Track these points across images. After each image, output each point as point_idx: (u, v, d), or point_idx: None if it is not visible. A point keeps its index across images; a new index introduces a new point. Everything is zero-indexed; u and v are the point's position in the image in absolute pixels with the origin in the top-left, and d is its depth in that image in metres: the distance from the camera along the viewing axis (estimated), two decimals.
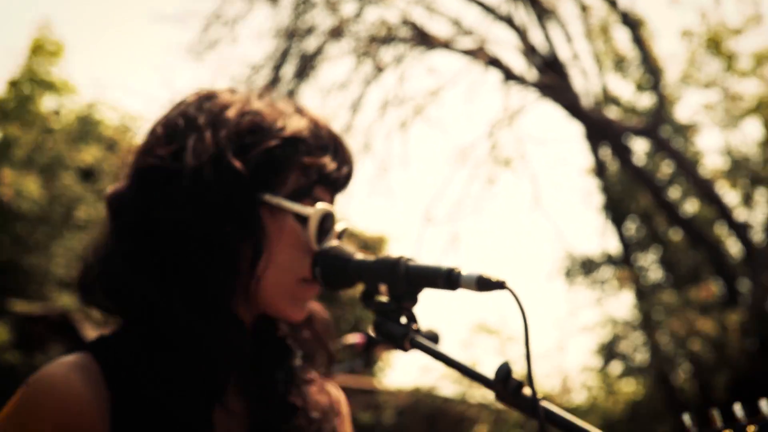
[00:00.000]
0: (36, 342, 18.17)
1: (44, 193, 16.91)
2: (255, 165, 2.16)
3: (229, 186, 2.14)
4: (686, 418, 1.95)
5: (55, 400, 2.04)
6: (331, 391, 2.41)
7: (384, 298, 2.14)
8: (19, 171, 16.63)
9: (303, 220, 2.21)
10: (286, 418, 2.27)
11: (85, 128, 17.35)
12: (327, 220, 2.23)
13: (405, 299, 2.12)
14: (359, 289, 2.21)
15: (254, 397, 2.25)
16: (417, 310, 2.13)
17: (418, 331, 2.11)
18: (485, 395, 20.73)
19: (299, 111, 2.28)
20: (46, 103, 17.51)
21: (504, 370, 1.99)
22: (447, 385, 21.84)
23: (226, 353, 2.14)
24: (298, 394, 2.31)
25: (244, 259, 2.16)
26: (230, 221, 2.14)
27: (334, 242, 2.24)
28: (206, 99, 2.25)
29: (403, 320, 2.12)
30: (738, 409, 1.92)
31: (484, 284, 2.02)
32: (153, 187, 2.17)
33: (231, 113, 2.21)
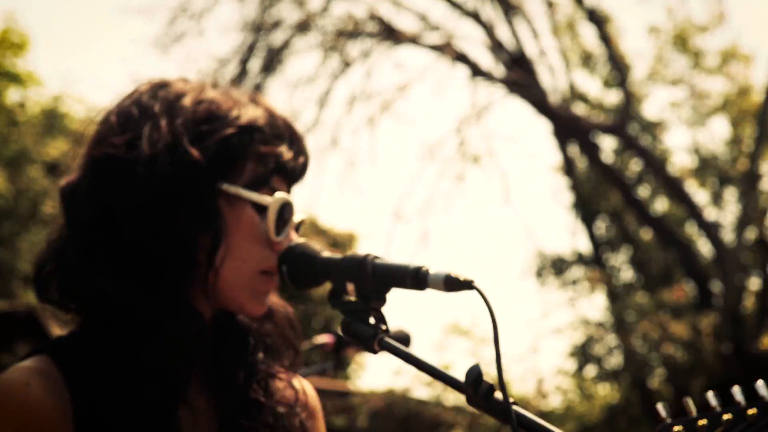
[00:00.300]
0: (1, 340, 18.00)
1: (9, 187, 16.83)
2: (212, 153, 2.12)
3: (185, 175, 2.09)
4: (660, 407, 1.91)
5: (16, 411, 2.00)
6: (298, 386, 2.35)
7: (352, 298, 2.09)
8: None
9: (261, 209, 2.16)
10: (250, 413, 2.23)
11: (51, 121, 17.29)
12: (285, 210, 2.18)
13: (373, 299, 2.07)
14: (328, 287, 2.15)
15: (218, 394, 2.21)
16: (386, 310, 2.09)
17: (387, 331, 2.06)
18: (460, 398, 20.55)
19: (254, 100, 2.25)
20: (11, 95, 17.47)
21: (474, 373, 1.93)
22: (421, 387, 21.69)
23: (185, 346, 2.10)
24: (262, 389, 2.27)
25: (202, 250, 2.11)
26: (187, 210, 2.10)
27: (299, 239, 2.20)
28: (160, 87, 2.21)
29: (372, 320, 2.07)
30: (711, 397, 1.90)
31: (451, 284, 1.97)
32: (107, 177, 2.12)
33: (187, 101, 2.17)
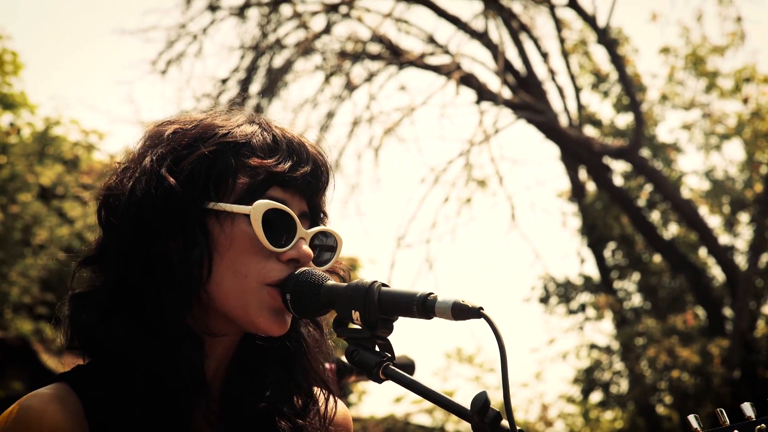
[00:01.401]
0: None
1: (1, 213, 16.46)
2: (189, 174, 2.13)
3: (163, 200, 2.12)
4: (692, 418, 1.94)
5: None
6: (335, 417, 2.35)
7: (357, 326, 2.08)
8: None
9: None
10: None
11: (44, 146, 16.94)
12: (277, 218, 2.16)
13: (379, 327, 2.06)
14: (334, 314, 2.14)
15: (235, 426, 2.23)
16: (391, 338, 2.08)
17: (392, 360, 2.06)
18: (461, 426, 20.27)
19: (251, 119, 2.26)
20: (2, 119, 17.14)
21: (481, 400, 1.90)
22: (422, 414, 21.34)
23: (181, 376, 2.10)
24: (281, 422, 2.27)
25: (197, 273, 2.13)
26: (172, 236, 2.12)
27: (304, 267, 2.17)
28: (159, 125, 2.26)
29: (377, 349, 2.07)
30: (747, 407, 1.90)
31: (460, 312, 1.96)
32: (104, 220, 2.20)
33: (171, 130, 2.21)
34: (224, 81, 16.19)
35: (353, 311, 2.06)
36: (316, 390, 2.34)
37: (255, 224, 2.14)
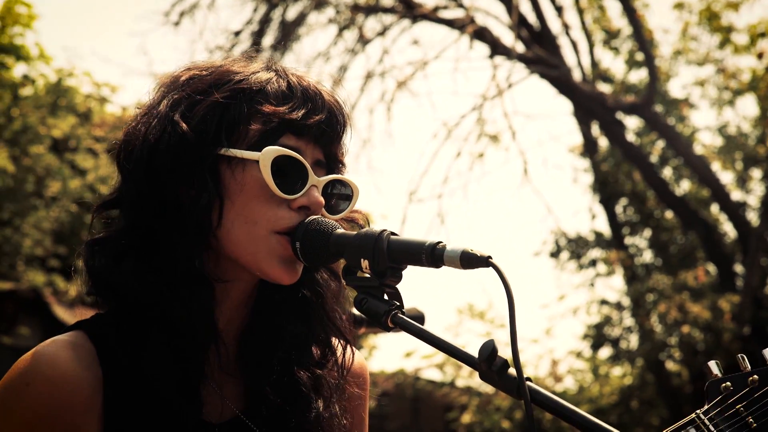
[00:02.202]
0: (6, 319, 17.71)
1: (13, 165, 16.44)
2: (201, 120, 2.13)
3: (174, 146, 2.11)
4: (712, 364, 1.95)
5: (48, 381, 2.04)
6: (352, 367, 2.36)
7: (366, 274, 2.07)
8: None
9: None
10: (285, 397, 2.24)
11: (57, 97, 16.88)
12: (288, 164, 2.14)
13: (388, 276, 2.05)
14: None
15: (250, 370, 2.24)
16: (400, 287, 2.07)
17: (401, 308, 2.05)
18: (471, 380, 20.32)
19: (269, 66, 2.24)
20: (16, 71, 17.06)
21: (488, 349, 1.90)
22: (432, 369, 21.41)
23: (191, 320, 2.12)
24: (304, 369, 2.28)
25: (208, 218, 2.12)
26: (184, 180, 2.12)
27: (315, 216, 2.16)
28: (180, 70, 2.26)
29: (386, 297, 2.06)
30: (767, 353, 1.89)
31: (468, 260, 1.94)
32: (120, 167, 2.20)
33: (185, 76, 2.21)
34: (237, 33, 16.12)
35: (362, 260, 2.06)
36: (334, 340, 2.35)
37: (264, 170, 2.13)
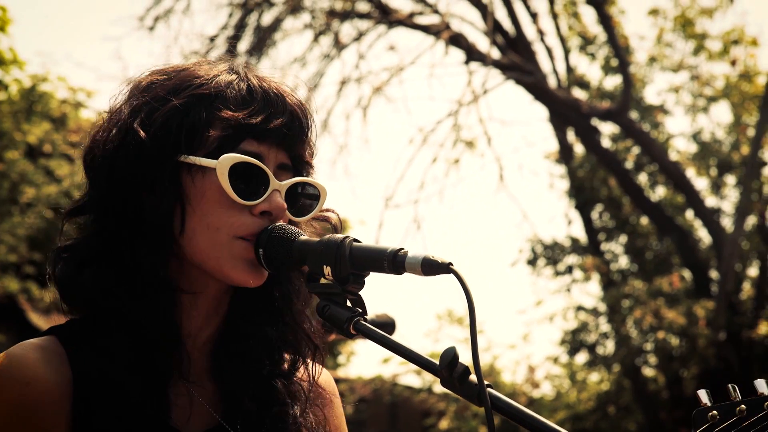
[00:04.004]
0: None
1: None
2: (160, 127, 2.12)
3: (133, 154, 2.12)
4: (702, 393, 1.94)
5: (15, 382, 2.04)
6: (312, 376, 2.35)
7: (329, 281, 2.07)
8: None
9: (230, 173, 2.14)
10: (260, 405, 2.24)
11: (32, 102, 16.82)
12: (247, 170, 2.14)
13: (350, 282, 2.06)
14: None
15: (225, 381, 2.24)
16: (363, 293, 2.08)
17: (363, 315, 2.05)
18: None
19: (231, 68, 2.23)
20: None
21: (449, 355, 1.90)
22: (410, 375, 21.44)
23: (156, 328, 2.12)
24: (277, 377, 2.29)
25: (169, 225, 2.13)
26: (145, 188, 2.11)
27: (279, 222, 2.16)
28: (138, 78, 2.25)
29: (348, 304, 2.06)
30: (760, 384, 1.91)
31: (429, 267, 1.95)
32: (86, 173, 2.21)
33: (145, 82, 2.21)
34: (212, 38, 16.09)
35: (324, 266, 2.06)
36: (304, 346, 2.34)
37: (221, 178, 2.13)
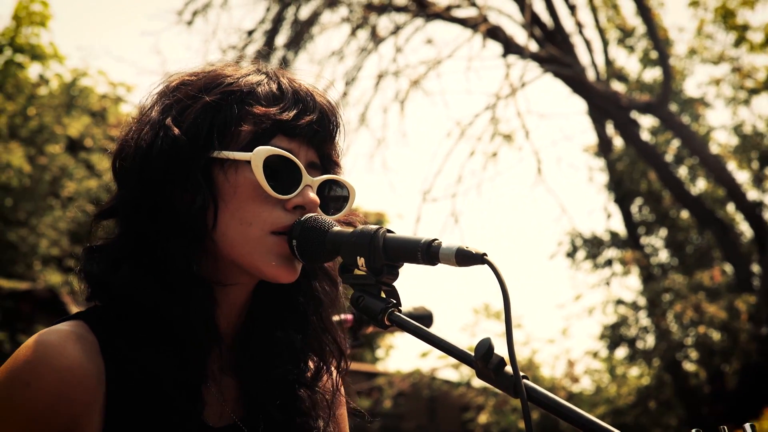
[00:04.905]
0: (23, 319, 17.77)
1: (29, 164, 16.46)
2: (192, 124, 2.14)
3: (166, 150, 2.13)
4: (748, 427, 1.83)
5: (52, 369, 2.03)
6: (335, 377, 2.37)
7: (363, 272, 2.06)
8: (3, 142, 16.22)
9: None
10: (285, 413, 2.25)
11: (72, 97, 16.90)
12: (281, 165, 2.15)
13: (384, 273, 2.05)
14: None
15: (248, 381, 2.25)
16: (397, 284, 2.06)
17: (398, 306, 2.04)
18: None
19: (259, 69, 2.25)
20: (31, 71, 17.09)
21: (484, 346, 1.88)
22: (448, 369, 21.37)
23: (192, 325, 2.12)
24: (298, 377, 2.29)
25: (202, 221, 2.13)
26: (178, 185, 2.13)
27: (311, 214, 2.16)
28: (168, 78, 2.26)
29: (383, 295, 2.05)
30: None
31: (463, 258, 1.93)
32: (115, 174, 2.22)
33: (176, 81, 2.23)
34: (250, 33, 16.11)
35: (358, 257, 2.05)
36: (328, 354, 2.35)
37: (256, 170, 2.13)
